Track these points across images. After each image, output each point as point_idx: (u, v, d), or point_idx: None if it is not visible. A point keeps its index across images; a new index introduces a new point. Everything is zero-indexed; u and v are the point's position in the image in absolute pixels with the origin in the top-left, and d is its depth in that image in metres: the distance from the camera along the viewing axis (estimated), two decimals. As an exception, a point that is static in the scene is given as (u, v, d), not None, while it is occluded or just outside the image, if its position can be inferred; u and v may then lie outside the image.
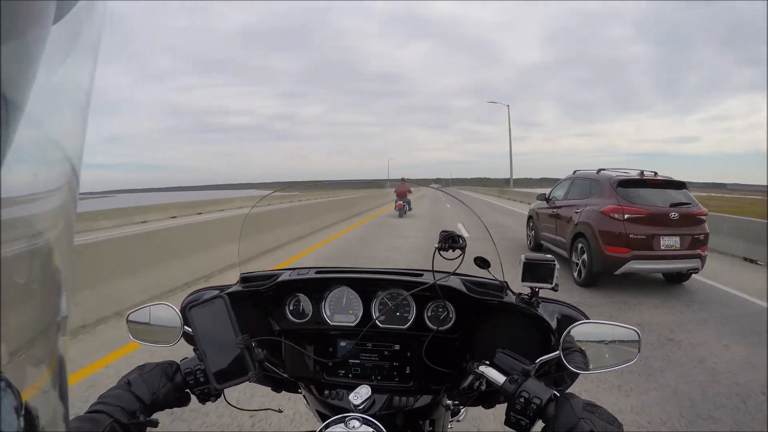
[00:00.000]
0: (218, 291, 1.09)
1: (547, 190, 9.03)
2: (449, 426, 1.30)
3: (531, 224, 9.31)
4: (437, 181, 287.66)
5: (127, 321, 1.04)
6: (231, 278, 1.29)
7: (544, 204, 8.42)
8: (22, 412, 0.28)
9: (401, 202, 17.19)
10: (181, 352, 1.04)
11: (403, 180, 18.67)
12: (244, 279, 1.22)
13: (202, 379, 0.92)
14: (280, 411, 1.25)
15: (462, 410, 1.43)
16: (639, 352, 0.91)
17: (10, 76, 0.24)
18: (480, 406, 1.16)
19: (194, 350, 0.98)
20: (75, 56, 0.30)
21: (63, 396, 0.33)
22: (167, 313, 1.02)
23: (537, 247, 8.87)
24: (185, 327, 0.99)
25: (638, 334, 0.91)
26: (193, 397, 0.95)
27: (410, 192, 17.84)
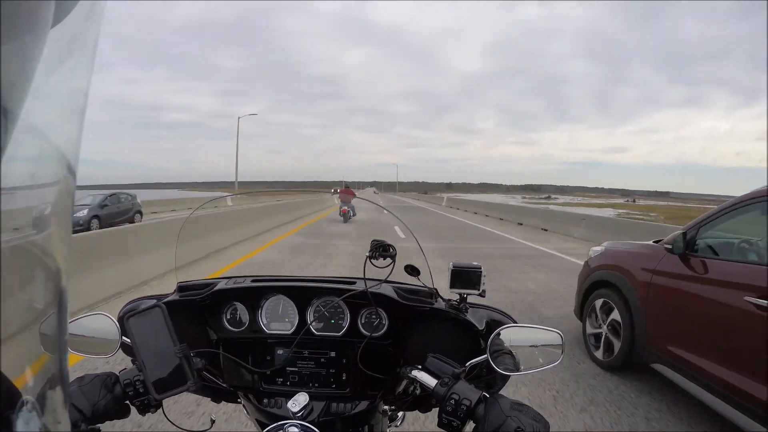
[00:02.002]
0: (155, 300, 1.06)
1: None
2: (387, 431, 1.32)
3: (610, 306, 4.00)
4: (374, 184, 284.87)
5: None
6: (167, 285, 1.36)
7: (670, 262, 3.39)
8: (21, 406, 0.30)
9: (346, 207, 17.08)
10: (120, 363, 1.07)
11: (346, 186, 19.32)
12: (181, 288, 1.23)
13: (141, 390, 0.92)
14: (212, 422, 1.22)
15: (399, 415, 1.49)
16: (563, 353, 1.01)
17: (8, 78, 0.25)
18: (417, 411, 1.23)
19: (132, 361, 1.03)
20: (73, 59, 0.32)
21: (64, 381, 0.35)
22: (104, 323, 1.02)
23: (626, 363, 3.75)
24: (123, 337, 0.99)
25: (561, 337, 1.01)
26: (133, 409, 0.95)
27: (354, 196, 17.70)
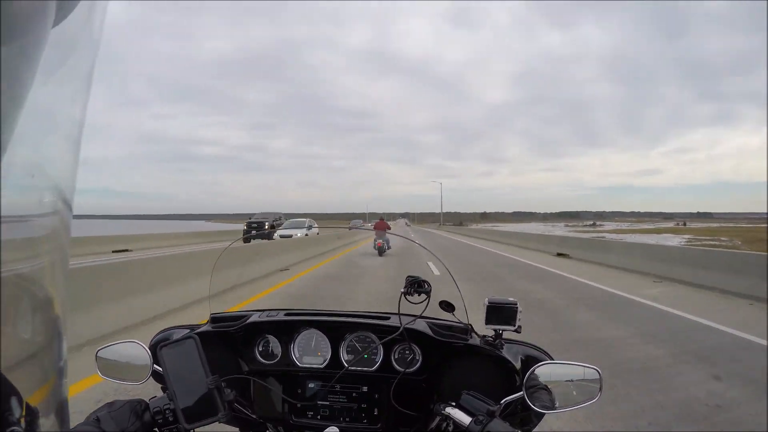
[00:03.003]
0: (188, 330, 1.12)
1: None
2: None
3: None
4: (405, 215, 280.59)
5: (96, 357, 1.07)
6: (200, 313, 1.41)
7: None
8: (24, 422, 0.31)
9: (380, 240, 16.94)
10: (149, 390, 1.07)
11: (381, 219, 18.99)
12: (214, 319, 1.27)
13: (171, 419, 0.93)
14: None
15: None
16: (601, 390, 0.99)
17: (9, 78, 0.25)
18: None
19: (162, 389, 1.05)
20: (75, 59, 0.32)
21: (63, 408, 0.36)
22: (137, 350, 1.05)
23: None
24: (154, 366, 1.01)
25: (599, 373, 0.99)
26: None
27: (389, 229, 17.62)
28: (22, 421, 0.30)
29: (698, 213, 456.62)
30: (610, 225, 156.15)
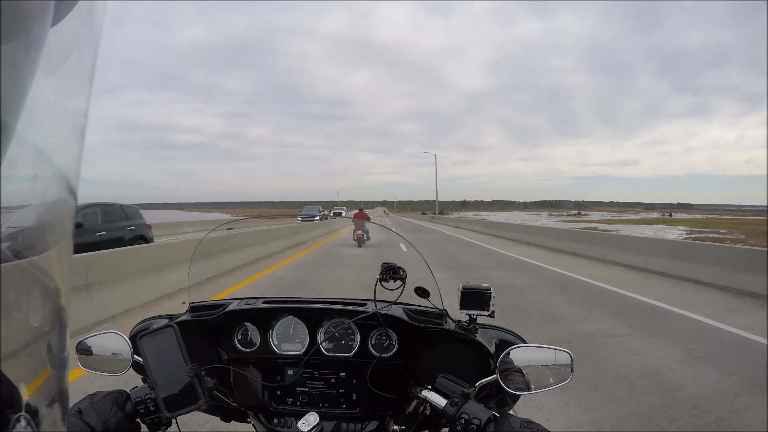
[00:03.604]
0: (167, 320, 1.11)
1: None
2: None
3: None
4: (384, 204, 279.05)
5: (76, 349, 1.07)
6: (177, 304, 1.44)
7: None
8: (23, 413, 0.32)
9: (360, 231, 16.50)
10: (129, 381, 1.07)
11: (360, 209, 19.91)
12: (193, 308, 1.28)
13: (152, 408, 0.95)
14: None
15: None
16: (572, 372, 1.03)
17: (8, 78, 0.25)
18: (426, 431, 1.22)
19: (143, 379, 1.06)
20: (73, 58, 0.32)
21: (63, 396, 0.36)
22: (117, 341, 1.07)
23: None
24: (135, 356, 1.03)
25: (571, 356, 1.03)
26: (144, 426, 0.98)
27: (369, 220, 17.55)
28: (23, 420, 0.31)
29: (678, 204, 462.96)
30: (595, 215, 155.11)
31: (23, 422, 0.30)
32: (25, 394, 0.31)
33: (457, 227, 35.26)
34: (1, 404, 0.29)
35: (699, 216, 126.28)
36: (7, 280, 0.28)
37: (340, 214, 49.84)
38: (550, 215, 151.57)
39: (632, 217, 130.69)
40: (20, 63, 0.25)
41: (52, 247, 0.32)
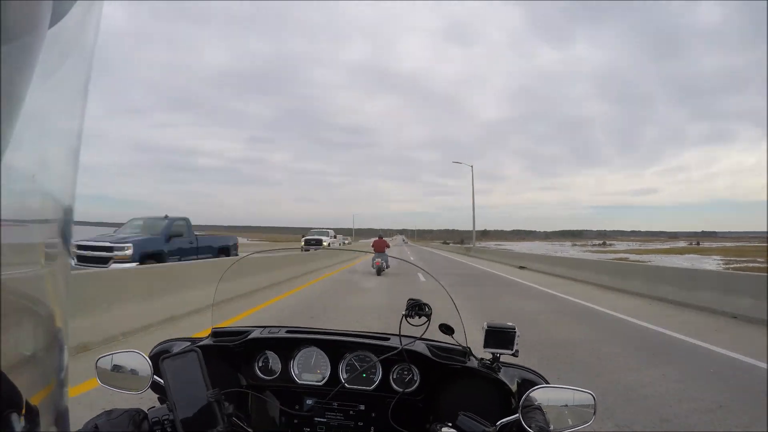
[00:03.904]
0: (189, 343, 1.16)
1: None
2: None
3: None
4: (402, 232, 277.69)
5: (96, 365, 1.08)
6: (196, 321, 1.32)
7: None
8: (24, 421, 0.31)
9: (379, 259, 16.31)
10: (144, 400, 1.09)
11: (380, 236, 18.40)
12: (216, 333, 1.29)
13: (169, 429, 0.94)
14: None
15: None
16: (595, 414, 1.02)
17: (8, 79, 0.25)
18: None
19: (160, 399, 1.11)
20: (72, 59, 0.32)
21: (63, 413, 0.36)
22: (137, 360, 1.07)
23: None
24: (154, 376, 1.04)
25: (593, 398, 1.03)
26: None
27: (388, 247, 17.29)
28: (22, 420, 0.30)
29: (702, 232, 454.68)
30: (620, 245, 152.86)
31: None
32: (27, 409, 0.31)
33: (481, 258, 30.53)
34: (1, 404, 0.29)
35: (728, 244, 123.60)
36: (12, 289, 0.28)
37: (320, 243, 32.13)
38: (574, 245, 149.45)
39: (659, 246, 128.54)
40: (18, 64, 0.25)
41: (48, 263, 0.32)
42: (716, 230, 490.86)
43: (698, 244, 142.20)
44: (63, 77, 0.30)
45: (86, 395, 3.44)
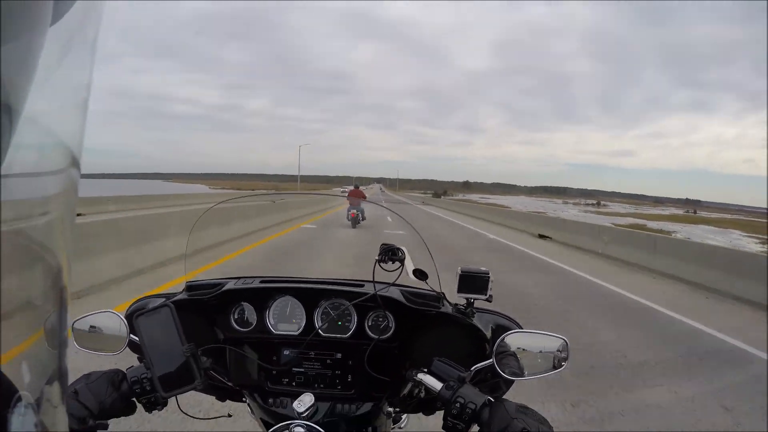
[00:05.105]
0: (164, 299, 1.12)
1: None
2: None
3: None
4: (380, 180, 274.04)
5: (72, 328, 1.08)
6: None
7: None
8: (22, 407, 0.32)
9: (354, 210, 15.57)
10: (126, 360, 1.09)
11: (356, 186, 17.93)
12: (189, 287, 1.27)
13: (148, 388, 0.96)
14: (229, 416, 1.32)
15: (403, 417, 1.53)
16: (568, 359, 1.04)
17: (9, 77, 0.26)
18: (420, 413, 1.26)
19: (138, 359, 1.09)
20: (73, 57, 0.33)
21: (62, 378, 0.36)
22: (112, 320, 1.07)
23: None
24: (131, 335, 1.04)
25: (567, 344, 1.04)
26: (139, 406, 0.99)
27: (365, 198, 17.21)
28: (25, 386, 0.31)
29: (687, 200, 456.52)
30: (614, 206, 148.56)
31: (23, 403, 0.31)
32: (26, 374, 0.31)
33: (477, 217, 24.51)
34: (1, 383, 0.29)
35: (728, 216, 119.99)
36: (8, 252, 0.28)
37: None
38: (565, 203, 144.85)
39: (655, 211, 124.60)
40: (21, 62, 0.25)
41: (56, 219, 0.32)
42: (701, 199, 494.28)
43: (695, 212, 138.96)
44: (65, 75, 0.31)
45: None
